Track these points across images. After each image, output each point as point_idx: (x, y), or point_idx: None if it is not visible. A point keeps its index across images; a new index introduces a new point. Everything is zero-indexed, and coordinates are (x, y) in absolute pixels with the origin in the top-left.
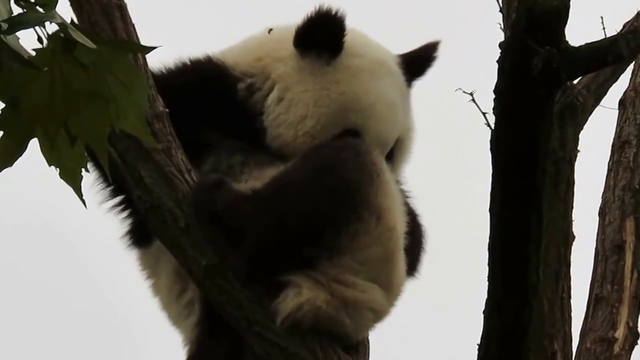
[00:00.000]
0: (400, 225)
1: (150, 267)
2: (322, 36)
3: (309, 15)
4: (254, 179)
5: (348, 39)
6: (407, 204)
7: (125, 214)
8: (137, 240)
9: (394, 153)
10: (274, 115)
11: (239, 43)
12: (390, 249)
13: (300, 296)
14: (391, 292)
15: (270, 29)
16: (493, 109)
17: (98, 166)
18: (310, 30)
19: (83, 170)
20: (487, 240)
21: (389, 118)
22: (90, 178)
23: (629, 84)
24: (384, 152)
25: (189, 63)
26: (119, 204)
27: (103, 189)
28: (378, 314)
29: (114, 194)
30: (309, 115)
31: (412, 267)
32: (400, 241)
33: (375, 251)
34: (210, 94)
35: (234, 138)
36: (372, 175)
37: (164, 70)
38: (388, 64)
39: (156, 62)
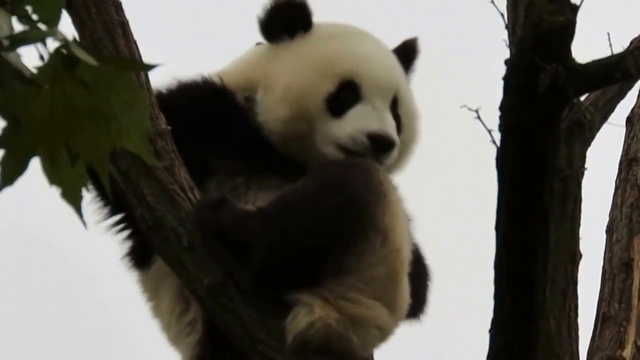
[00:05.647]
0: (406, 246)
1: (151, 289)
2: (287, 15)
3: (269, 3)
4: (259, 201)
5: (321, 23)
6: (412, 242)
7: (125, 234)
8: (137, 263)
9: (401, 119)
10: (262, 109)
11: (232, 61)
12: (395, 269)
13: (312, 314)
14: (395, 311)
15: (259, 43)
16: (499, 126)
17: (98, 185)
18: (274, 15)
19: (84, 189)
20: (493, 258)
21: (382, 62)
22: (89, 197)
23: (637, 101)
24: (387, 101)
25: (188, 83)
26: (119, 223)
27: (102, 207)
28: (384, 332)
29: (113, 213)
30: (288, 86)
31: (419, 308)
32: (406, 262)
33: (380, 271)
34: (210, 113)
35: (240, 158)
36: (379, 195)
37: (163, 91)
38: (370, 34)
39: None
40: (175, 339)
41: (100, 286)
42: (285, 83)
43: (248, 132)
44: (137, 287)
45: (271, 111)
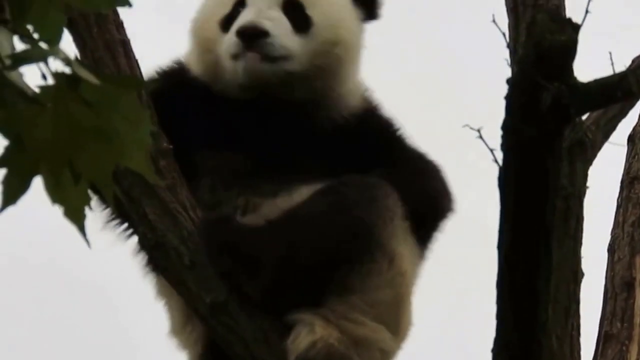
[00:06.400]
0: (412, 271)
1: (164, 294)
2: None
3: None
4: (254, 208)
5: None
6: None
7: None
8: (154, 268)
9: (312, 19)
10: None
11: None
12: (400, 293)
13: (313, 334)
14: (398, 335)
15: None
16: (501, 145)
17: (104, 198)
18: None
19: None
20: (495, 277)
21: None
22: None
23: (638, 120)
24: (273, 1)
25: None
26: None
27: (113, 216)
28: (386, 355)
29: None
30: (193, 26)
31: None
32: (411, 287)
33: (385, 293)
34: (172, 107)
35: (228, 148)
36: (386, 220)
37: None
38: None
39: None
40: (182, 345)
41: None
42: (192, 25)
43: (210, 111)
44: (153, 289)
45: (193, 62)
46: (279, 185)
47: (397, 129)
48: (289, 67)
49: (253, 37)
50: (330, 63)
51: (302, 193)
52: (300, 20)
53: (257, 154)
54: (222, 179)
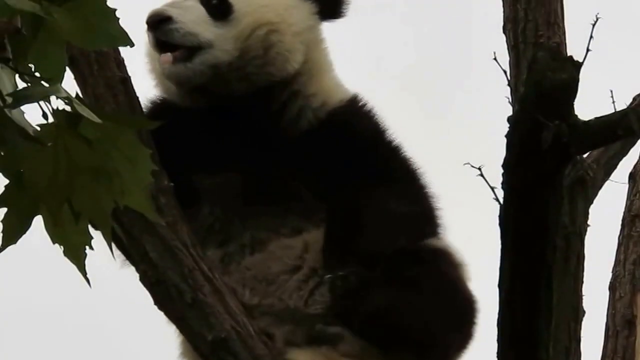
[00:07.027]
0: None
1: None
2: None
3: None
4: (263, 252)
5: None
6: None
7: None
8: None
9: (233, 7)
10: None
11: None
12: None
13: None
14: None
15: None
16: (502, 183)
17: None
18: None
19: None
20: (496, 316)
21: None
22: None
23: (639, 158)
24: None
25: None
26: None
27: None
28: None
29: None
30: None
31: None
32: None
33: None
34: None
35: (212, 166)
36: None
37: None
38: None
39: None
40: None
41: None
42: None
43: (185, 131)
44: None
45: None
46: (275, 215)
47: (382, 137)
48: (211, 59)
49: (156, 23)
50: (260, 47)
51: (310, 233)
52: (220, 8)
53: (239, 167)
54: (222, 207)
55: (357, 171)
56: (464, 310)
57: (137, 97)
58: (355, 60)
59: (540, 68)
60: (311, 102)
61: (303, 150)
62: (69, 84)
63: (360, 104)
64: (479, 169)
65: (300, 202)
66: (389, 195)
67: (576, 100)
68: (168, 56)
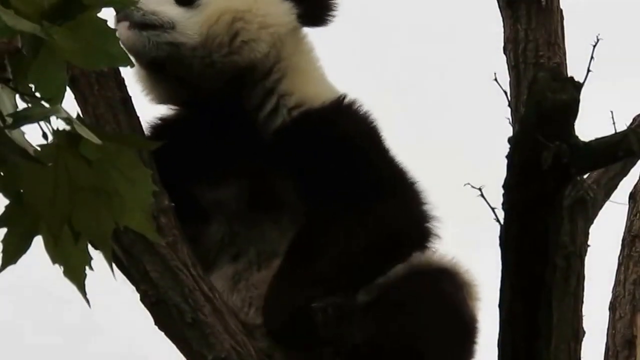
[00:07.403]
0: None
1: None
2: None
3: None
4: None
5: None
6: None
7: None
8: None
9: None
10: None
11: None
12: None
13: None
14: None
15: None
16: (502, 204)
17: None
18: None
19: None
20: (496, 336)
21: None
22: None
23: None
24: None
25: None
26: None
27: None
28: None
29: None
30: None
31: None
32: None
33: None
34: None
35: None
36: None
37: None
38: None
39: None
40: None
41: None
42: None
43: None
44: None
45: None
46: (276, 223)
47: (369, 141)
48: (169, 37)
49: (121, 13)
50: (225, 33)
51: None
52: None
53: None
54: (226, 219)
55: (332, 179)
56: (461, 333)
57: (138, 118)
58: (354, 78)
59: (541, 88)
60: (286, 101)
61: (275, 150)
62: (70, 104)
63: (347, 107)
64: (480, 189)
65: (295, 209)
66: (360, 213)
67: (577, 120)
68: (125, 24)
